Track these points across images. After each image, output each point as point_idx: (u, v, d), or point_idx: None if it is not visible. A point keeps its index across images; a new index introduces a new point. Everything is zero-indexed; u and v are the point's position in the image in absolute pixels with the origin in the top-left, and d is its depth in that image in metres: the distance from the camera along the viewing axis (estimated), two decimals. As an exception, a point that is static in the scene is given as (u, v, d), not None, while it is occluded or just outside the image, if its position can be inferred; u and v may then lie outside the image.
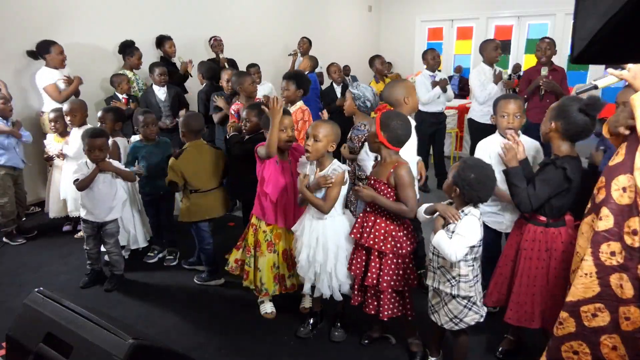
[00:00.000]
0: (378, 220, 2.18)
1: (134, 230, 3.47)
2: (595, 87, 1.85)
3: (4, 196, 3.69)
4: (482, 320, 2.04)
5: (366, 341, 2.49)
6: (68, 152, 3.66)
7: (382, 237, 2.16)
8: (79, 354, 1.51)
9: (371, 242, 2.17)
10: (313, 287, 2.45)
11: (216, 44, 5.74)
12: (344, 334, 2.54)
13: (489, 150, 2.49)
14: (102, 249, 3.19)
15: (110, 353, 1.45)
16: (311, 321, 2.60)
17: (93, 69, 4.82)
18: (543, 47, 4.47)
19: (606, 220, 1.71)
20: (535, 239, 2.10)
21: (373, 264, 2.19)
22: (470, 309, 2.00)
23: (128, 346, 1.45)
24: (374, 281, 2.19)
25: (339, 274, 2.32)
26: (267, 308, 2.78)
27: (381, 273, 2.17)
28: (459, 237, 1.88)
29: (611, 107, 2.37)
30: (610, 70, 1.80)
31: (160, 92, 4.60)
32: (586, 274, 1.73)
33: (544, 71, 4.39)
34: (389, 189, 2.14)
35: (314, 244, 2.32)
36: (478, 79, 4.65)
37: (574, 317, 1.78)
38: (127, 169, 3.07)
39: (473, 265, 1.96)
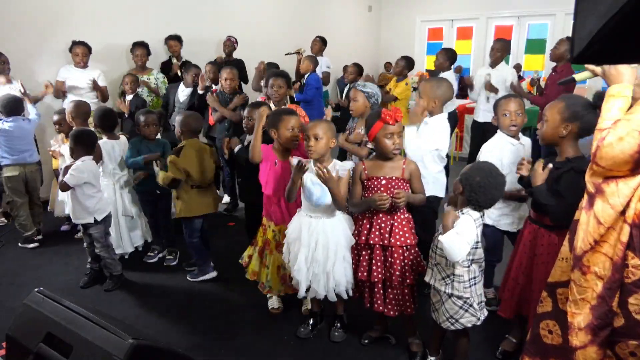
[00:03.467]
0: (383, 217, 2.21)
1: (114, 234, 3.36)
2: (573, 80, 1.91)
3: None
4: (479, 323, 2.03)
5: (366, 341, 2.48)
6: (64, 153, 3.61)
7: (386, 234, 2.19)
8: (79, 354, 1.50)
9: (376, 239, 2.20)
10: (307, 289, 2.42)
11: (229, 43, 5.66)
12: (343, 334, 2.54)
13: (498, 154, 2.46)
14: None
15: (110, 353, 1.44)
16: (311, 321, 2.60)
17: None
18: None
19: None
20: (550, 243, 2.05)
21: (378, 257, 2.21)
22: (466, 311, 1.99)
23: (128, 346, 1.45)
24: (380, 275, 2.21)
25: (336, 273, 2.32)
26: (275, 303, 2.80)
27: (392, 270, 2.19)
28: (457, 236, 1.86)
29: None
30: (587, 65, 1.80)
31: (183, 93, 4.42)
32: (563, 259, 1.77)
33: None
34: (407, 184, 2.22)
35: (314, 243, 2.31)
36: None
37: (551, 298, 1.82)
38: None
39: (469, 267, 1.95)
